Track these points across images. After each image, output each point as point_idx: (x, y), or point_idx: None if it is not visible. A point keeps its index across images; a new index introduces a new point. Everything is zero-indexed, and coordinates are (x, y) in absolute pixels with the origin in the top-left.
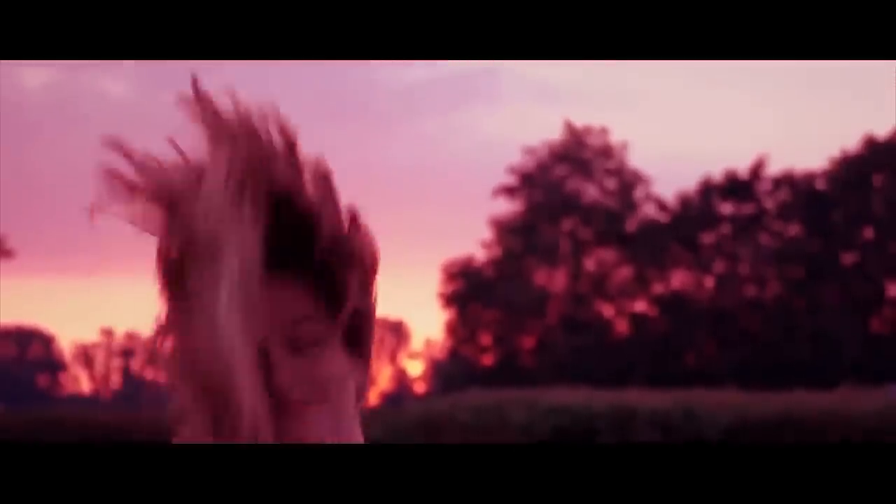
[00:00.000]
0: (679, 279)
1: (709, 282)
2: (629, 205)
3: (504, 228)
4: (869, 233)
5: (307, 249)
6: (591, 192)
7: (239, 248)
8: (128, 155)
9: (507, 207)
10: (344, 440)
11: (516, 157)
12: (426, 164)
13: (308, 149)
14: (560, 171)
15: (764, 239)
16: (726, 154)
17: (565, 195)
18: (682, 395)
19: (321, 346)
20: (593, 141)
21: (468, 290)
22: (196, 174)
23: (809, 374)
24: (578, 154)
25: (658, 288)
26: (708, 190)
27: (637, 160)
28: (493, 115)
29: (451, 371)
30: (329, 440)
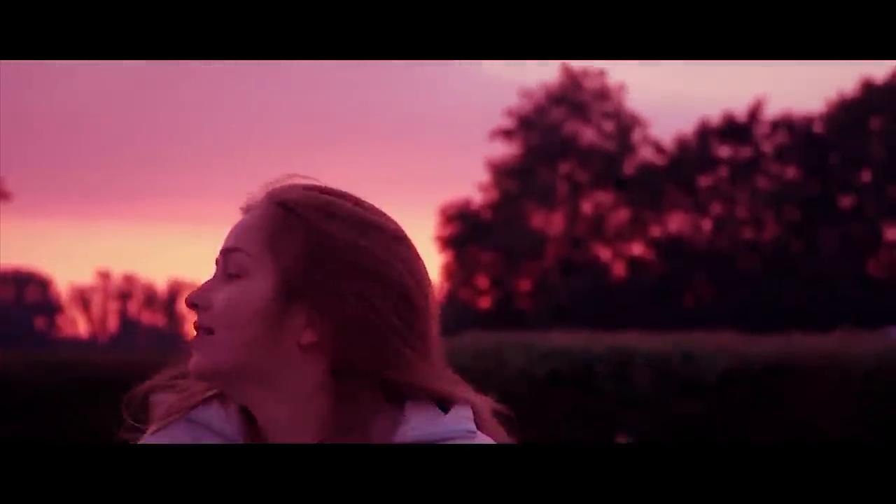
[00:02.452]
0: (676, 222)
1: (706, 225)
2: (626, 147)
3: (501, 171)
4: (867, 176)
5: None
6: (588, 134)
7: None
8: None
9: (504, 150)
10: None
11: (513, 100)
12: (424, 106)
13: (305, 90)
14: (557, 113)
15: (761, 182)
16: (724, 97)
17: (562, 138)
18: (679, 338)
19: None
20: (590, 83)
21: (465, 232)
22: None
23: (807, 316)
24: (576, 96)
25: (655, 231)
26: (705, 133)
27: (634, 103)
28: None
29: (448, 314)
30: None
